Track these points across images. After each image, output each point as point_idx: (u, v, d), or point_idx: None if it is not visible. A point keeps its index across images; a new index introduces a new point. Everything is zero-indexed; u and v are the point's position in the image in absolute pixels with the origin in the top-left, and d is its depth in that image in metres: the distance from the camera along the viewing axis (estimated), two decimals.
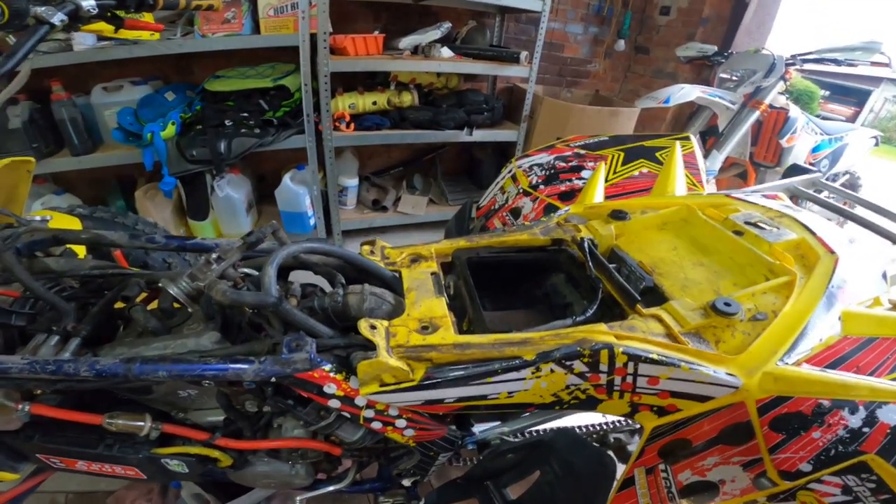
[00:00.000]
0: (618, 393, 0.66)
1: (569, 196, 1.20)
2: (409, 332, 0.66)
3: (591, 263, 0.82)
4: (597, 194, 1.15)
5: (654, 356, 0.62)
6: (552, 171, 1.28)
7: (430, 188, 2.80)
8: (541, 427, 0.99)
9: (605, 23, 3.27)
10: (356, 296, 0.72)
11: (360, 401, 0.68)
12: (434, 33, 2.56)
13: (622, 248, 0.89)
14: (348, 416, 0.72)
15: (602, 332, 0.65)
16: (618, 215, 0.96)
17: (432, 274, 0.78)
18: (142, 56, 2.01)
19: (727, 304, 0.68)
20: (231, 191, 2.22)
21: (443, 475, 1.39)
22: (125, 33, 0.96)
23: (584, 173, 1.26)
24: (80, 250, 1.31)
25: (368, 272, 0.78)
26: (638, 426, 1.21)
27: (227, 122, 2.15)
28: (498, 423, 0.93)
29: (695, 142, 1.35)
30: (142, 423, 0.74)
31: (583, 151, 1.35)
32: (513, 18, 3.03)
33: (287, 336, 0.64)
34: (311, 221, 2.44)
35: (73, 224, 1.40)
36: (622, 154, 1.31)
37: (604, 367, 0.63)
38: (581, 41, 3.30)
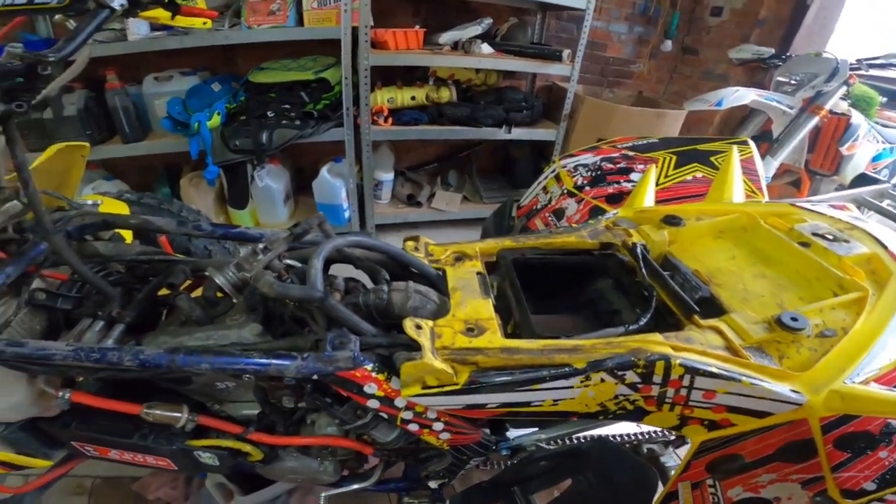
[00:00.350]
0: (668, 405, 0.64)
1: (617, 199, 1.16)
2: (455, 334, 0.64)
3: (644, 270, 0.78)
4: (647, 198, 1.11)
5: (714, 370, 0.60)
6: (599, 173, 1.24)
7: (464, 185, 2.78)
8: (579, 435, 0.96)
9: (651, 23, 3.16)
10: (400, 293, 0.70)
11: (399, 402, 0.67)
12: (474, 29, 2.53)
13: (676, 256, 0.85)
14: (385, 416, 0.70)
15: (657, 343, 0.63)
16: (671, 221, 0.92)
17: (478, 274, 0.76)
18: (191, 47, 2.07)
19: (794, 319, 0.64)
20: (270, 181, 2.27)
21: (467, 478, 1.37)
22: (180, 20, 0.97)
23: (634, 176, 1.21)
24: (127, 235, 1.35)
25: (412, 269, 0.77)
26: (672, 437, 1.18)
27: (270, 114, 2.19)
28: (534, 429, 0.90)
29: (753, 147, 1.28)
30: (178, 415, 0.74)
31: (631, 153, 1.30)
32: (554, 16, 2.97)
33: (330, 333, 0.63)
34: (346, 214, 2.46)
35: (122, 209, 1.44)
36: (674, 157, 1.25)
37: (657, 378, 0.61)
38: (625, 41, 3.20)
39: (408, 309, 0.70)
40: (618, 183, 1.19)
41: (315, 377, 0.63)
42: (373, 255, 0.81)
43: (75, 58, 0.77)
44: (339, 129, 2.28)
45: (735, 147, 1.23)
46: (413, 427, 0.72)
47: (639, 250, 0.83)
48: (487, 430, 0.86)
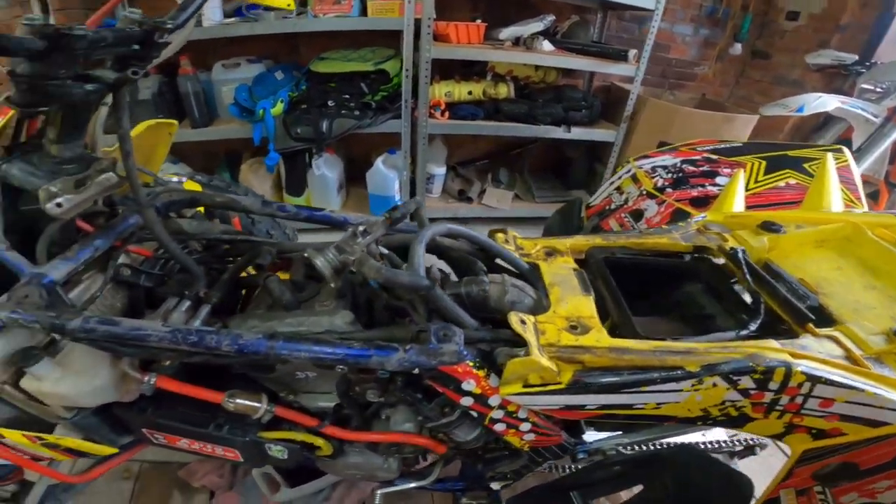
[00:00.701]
0: (777, 413, 0.62)
1: (701, 202, 1.11)
2: (559, 331, 0.63)
3: (748, 276, 0.74)
4: (736, 202, 1.06)
5: (838, 378, 0.58)
6: (681, 175, 1.19)
7: (515, 183, 2.75)
8: (661, 441, 0.93)
9: (719, 25, 3.04)
10: (497, 286, 0.69)
11: (493, 400, 0.65)
12: (536, 25, 2.50)
13: (776, 263, 0.81)
14: (475, 414, 0.68)
15: (775, 350, 0.61)
16: (771, 227, 0.88)
17: (574, 270, 0.74)
18: (257, 34, 2.12)
19: None
20: (326, 170, 2.31)
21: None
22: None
23: (719, 179, 1.16)
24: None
25: (503, 261, 0.75)
26: (739, 448, 1.15)
27: (330, 103, 2.23)
28: (613, 433, 0.88)
29: (849, 155, 1.20)
30: (258, 405, 0.71)
31: (714, 157, 1.24)
32: (615, 16, 2.90)
33: (434, 325, 0.61)
34: None
35: (197, 189, 1.49)
36: (763, 162, 1.19)
37: (774, 385, 0.59)
38: (690, 42, 3.09)
39: (505, 303, 0.68)
40: (702, 186, 1.15)
41: (415, 371, 0.61)
42: (461, 245, 0.80)
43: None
44: (396, 121, 2.30)
45: (829, 154, 1.16)
46: (500, 427, 0.70)
47: (740, 255, 0.79)
48: (565, 433, 0.83)
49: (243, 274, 0.90)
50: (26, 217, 0.76)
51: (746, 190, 1.13)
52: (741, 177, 1.11)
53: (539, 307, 0.69)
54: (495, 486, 0.98)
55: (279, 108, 2.18)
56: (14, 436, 0.72)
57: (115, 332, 0.59)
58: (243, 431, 0.77)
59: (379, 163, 2.33)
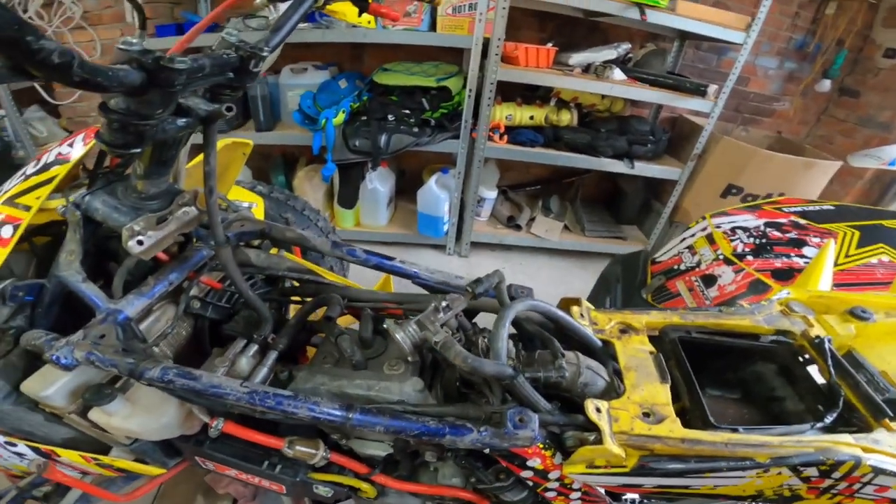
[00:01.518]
0: (830, 495, 0.63)
1: (785, 275, 1.05)
2: (632, 419, 0.61)
3: (831, 368, 0.71)
4: (823, 279, 1.00)
5: None
6: (764, 241, 1.13)
7: (565, 213, 2.70)
8: None
9: (807, 59, 2.88)
10: (573, 367, 0.68)
11: (553, 475, 0.65)
12: (609, 53, 2.44)
13: (859, 352, 0.78)
14: (531, 484, 0.69)
15: (849, 445, 0.61)
16: (860, 315, 0.83)
17: (651, 353, 0.71)
18: (328, 42, 2.16)
19: None
20: (378, 184, 2.34)
21: None
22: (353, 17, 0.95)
23: (807, 250, 1.09)
24: (259, 213, 1.37)
25: (577, 337, 0.73)
26: None
27: (390, 117, 2.25)
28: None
29: None
30: (315, 451, 0.72)
31: (803, 221, 1.17)
32: (693, 45, 2.80)
33: (511, 408, 0.61)
34: (445, 227, 2.49)
35: (257, 201, 1.50)
36: (857, 233, 1.11)
37: (837, 475, 0.60)
38: (772, 76, 2.95)
39: (578, 385, 0.67)
40: (787, 256, 1.08)
41: (486, 451, 0.62)
42: (534, 316, 0.79)
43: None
44: (453, 141, 2.30)
45: None
46: (551, 494, 0.70)
47: (826, 346, 0.75)
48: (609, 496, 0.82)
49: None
50: (104, 247, 0.79)
51: (836, 264, 1.06)
52: (831, 249, 1.05)
53: (612, 390, 0.67)
54: None
55: (340, 118, 2.23)
56: (71, 455, 0.75)
57: (193, 386, 0.60)
58: (294, 472, 0.78)
59: (432, 182, 2.35)
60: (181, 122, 0.61)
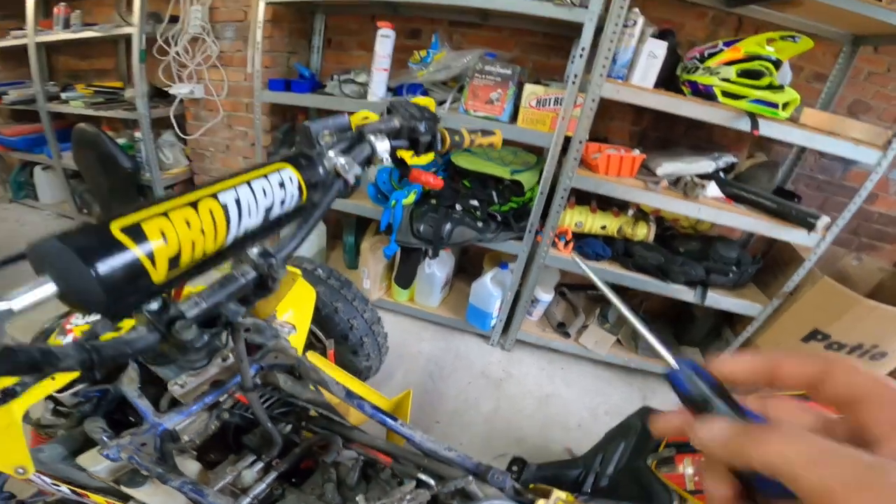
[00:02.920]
0: None
1: None
2: None
3: None
4: None
5: None
6: None
7: (622, 326, 2.57)
8: None
9: None
10: None
11: None
12: (706, 164, 2.21)
13: None
14: None
15: None
16: None
17: None
18: None
19: None
20: (437, 269, 2.43)
21: None
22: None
23: None
24: (311, 299, 1.48)
25: None
26: None
27: (457, 207, 2.31)
28: None
29: None
30: None
31: None
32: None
33: None
34: (492, 323, 2.50)
35: (309, 294, 1.61)
36: None
37: None
38: None
39: None
40: None
41: None
42: None
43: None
44: (516, 243, 2.30)
45: None
46: None
47: None
48: None
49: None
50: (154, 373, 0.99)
51: None
52: None
53: None
54: None
55: (411, 198, 2.34)
56: (98, 499, 0.93)
57: (200, 501, 0.78)
58: None
59: (487, 279, 2.37)
60: (206, 336, 0.66)
